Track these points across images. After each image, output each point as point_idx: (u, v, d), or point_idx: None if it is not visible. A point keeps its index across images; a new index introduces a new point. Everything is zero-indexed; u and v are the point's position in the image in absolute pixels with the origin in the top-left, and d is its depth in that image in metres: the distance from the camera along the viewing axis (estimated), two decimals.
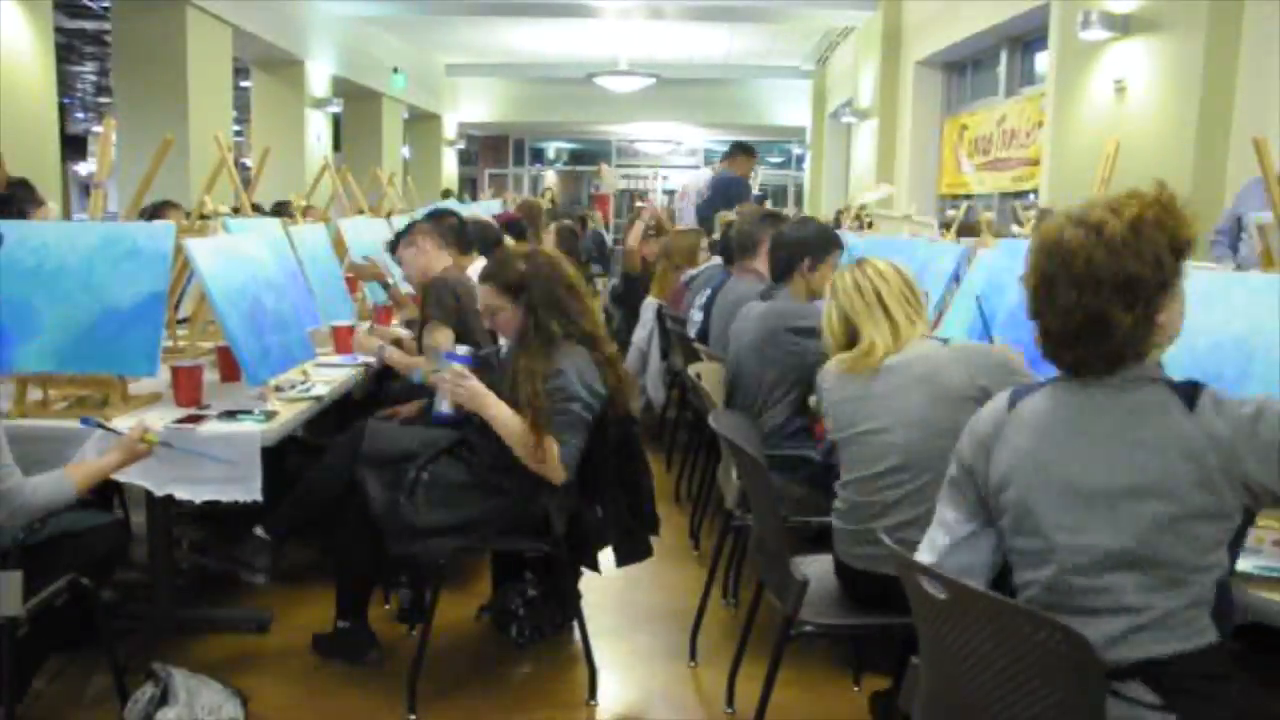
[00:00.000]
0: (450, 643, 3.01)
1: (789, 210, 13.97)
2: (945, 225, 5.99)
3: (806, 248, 3.19)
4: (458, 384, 2.55)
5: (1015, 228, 4.55)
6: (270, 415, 2.68)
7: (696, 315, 4.51)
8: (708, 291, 4.41)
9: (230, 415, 2.67)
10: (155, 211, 4.23)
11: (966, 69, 9.45)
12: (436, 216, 3.98)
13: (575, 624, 2.81)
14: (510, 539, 2.70)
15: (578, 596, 2.84)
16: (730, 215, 5.57)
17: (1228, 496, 1.44)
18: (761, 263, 3.78)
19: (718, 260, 5.06)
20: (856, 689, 2.78)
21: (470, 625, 3.15)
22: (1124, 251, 1.46)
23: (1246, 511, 1.47)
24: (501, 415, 2.56)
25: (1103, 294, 1.46)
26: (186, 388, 2.74)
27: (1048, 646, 1.40)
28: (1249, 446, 1.41)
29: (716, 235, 5.61)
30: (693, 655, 2.94)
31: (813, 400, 2.71)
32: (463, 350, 2.71)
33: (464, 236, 3.99)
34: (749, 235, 4.05)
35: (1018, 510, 1.57)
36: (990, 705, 1.51)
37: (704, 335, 4.24)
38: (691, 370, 3.47)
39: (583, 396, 2.56)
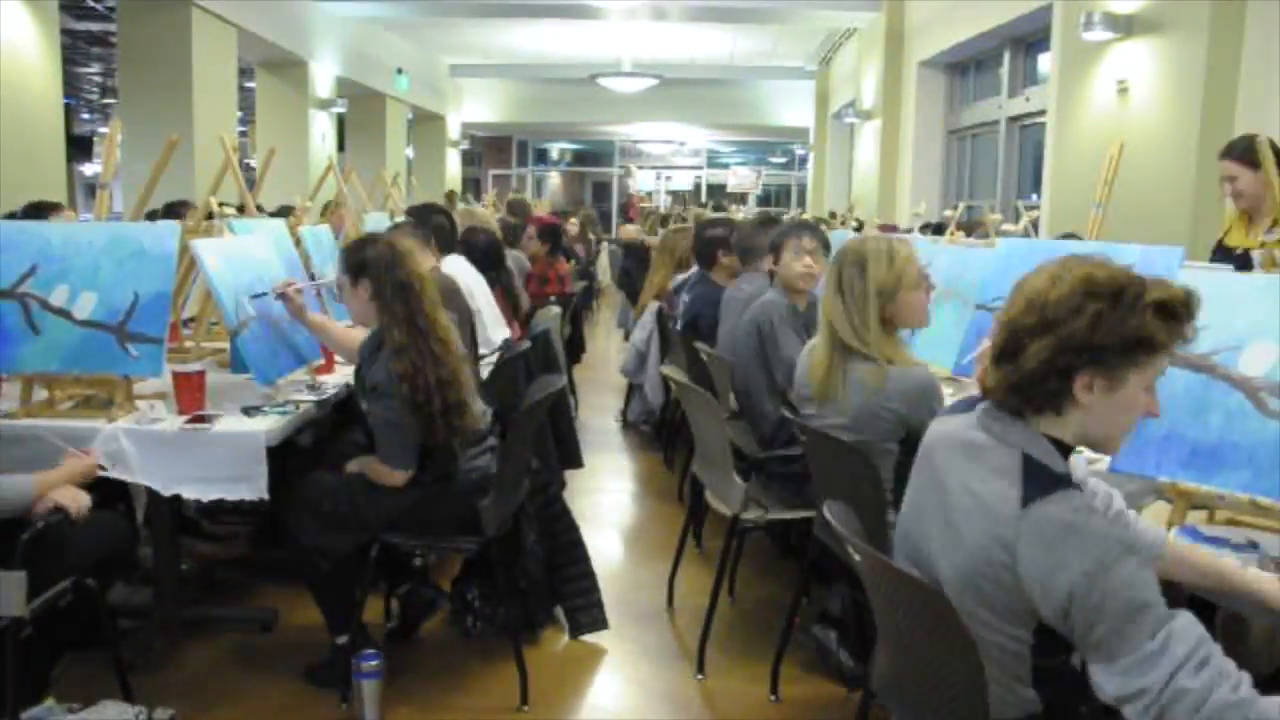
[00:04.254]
0: (449, 644, 3.04)
1: (792, 212, 14.01)
2: (940, 226, 6.00)
3: None
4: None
5: (1009, 226, 4.55)
6: (288, 410, 2.73)
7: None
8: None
9: (249, 411, 2.70)
10: (170, 212, 4.22)
11: (969, 70, 9.45)
12: (422, 215, 3.97)
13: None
14: (436, 538, 2.70)
15: (531, 596, 2.95)
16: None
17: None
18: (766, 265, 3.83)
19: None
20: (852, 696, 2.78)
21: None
22: None
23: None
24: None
25: None
26: (187, 392, 2.73)
27: (930, 614, 1.49)
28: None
29: None
30: (701, 659, 2.92)
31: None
32: None
33: (452, 237, 4.00)
34: (749, 239, 4.12)
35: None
36: (918, 678, 1.62)
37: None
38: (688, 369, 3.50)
39: (391, 392, 2.53)
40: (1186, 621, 1.34)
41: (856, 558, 1.64)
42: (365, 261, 2.62)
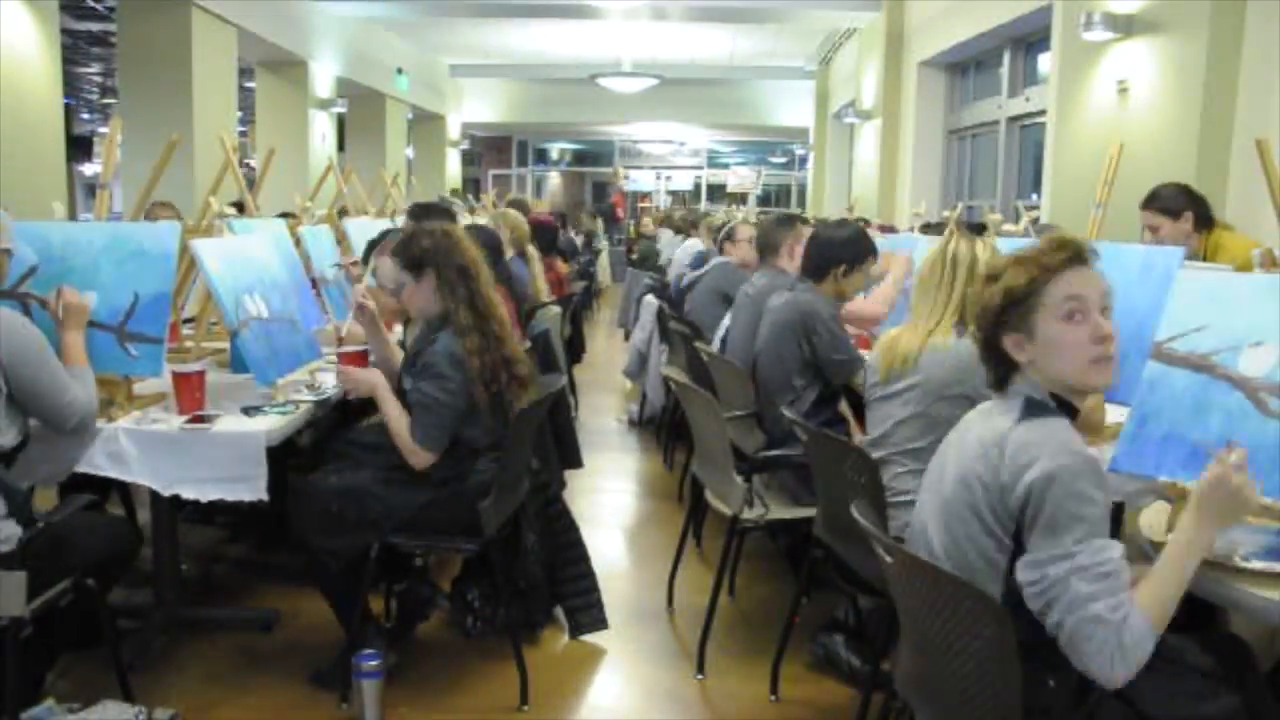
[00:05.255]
0: (449, 644, 3.03)
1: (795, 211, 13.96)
2: (940, 226, 5.99)
3: (845, 254, 3.20)
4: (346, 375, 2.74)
5: (1009, 226, 4.55)
6: (288, 410, 2.73)
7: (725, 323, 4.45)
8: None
9: (249, 411, 2.70)
10: (149, 212, 4.13)
11: (969, 70, 9.45)
12: (419, 215, 3.92)
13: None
14: (436, 538, 2.69)
15: (531, 596, 2.95)
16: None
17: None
18: (785, 261, 3.84)
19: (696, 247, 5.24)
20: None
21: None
22: None
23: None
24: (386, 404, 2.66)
25: None
26: (187, 392, 2.72)
27: (969, 611, 1.53)
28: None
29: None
30: (701, 659, 2.93)
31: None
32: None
33: None
34: (768, 237, 4.07)
35: None
36: (937, 669, 1.65)
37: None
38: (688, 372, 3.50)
39: (445, 373, 2.57)
40: (1112, 544, 1.48)
41: (888, 559, 1.66)
42: (424, 254, 2.66)
